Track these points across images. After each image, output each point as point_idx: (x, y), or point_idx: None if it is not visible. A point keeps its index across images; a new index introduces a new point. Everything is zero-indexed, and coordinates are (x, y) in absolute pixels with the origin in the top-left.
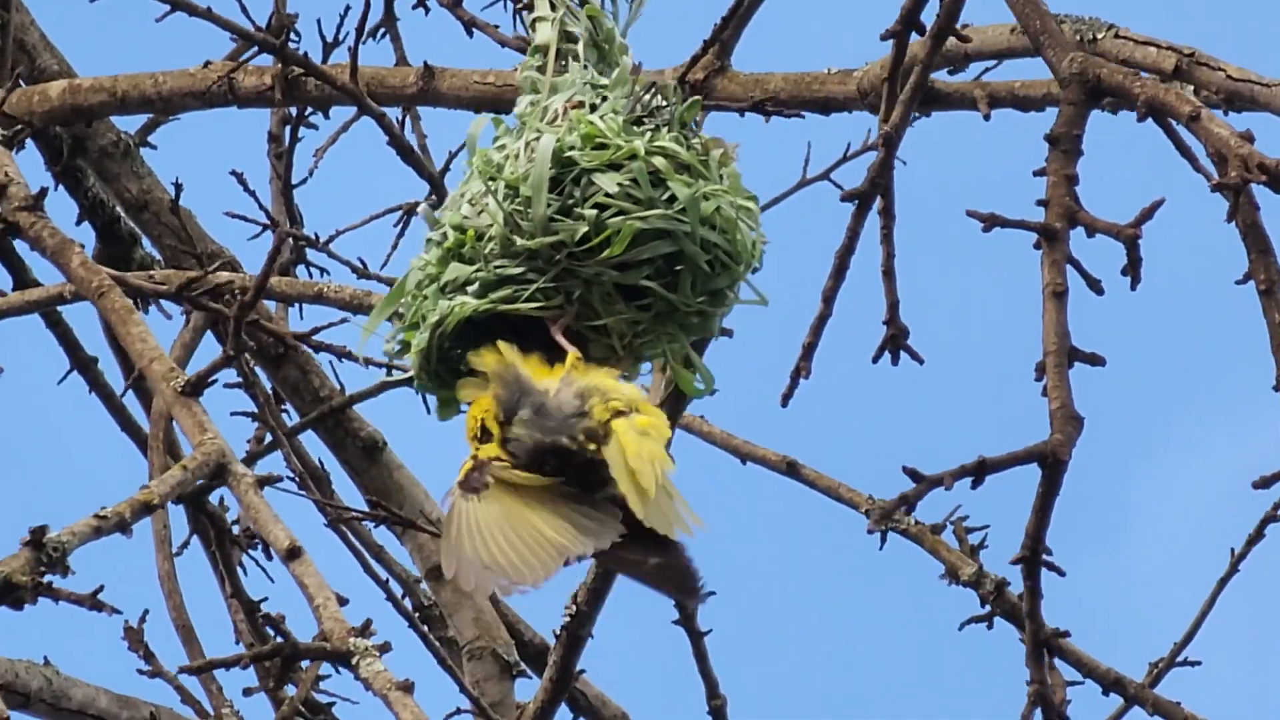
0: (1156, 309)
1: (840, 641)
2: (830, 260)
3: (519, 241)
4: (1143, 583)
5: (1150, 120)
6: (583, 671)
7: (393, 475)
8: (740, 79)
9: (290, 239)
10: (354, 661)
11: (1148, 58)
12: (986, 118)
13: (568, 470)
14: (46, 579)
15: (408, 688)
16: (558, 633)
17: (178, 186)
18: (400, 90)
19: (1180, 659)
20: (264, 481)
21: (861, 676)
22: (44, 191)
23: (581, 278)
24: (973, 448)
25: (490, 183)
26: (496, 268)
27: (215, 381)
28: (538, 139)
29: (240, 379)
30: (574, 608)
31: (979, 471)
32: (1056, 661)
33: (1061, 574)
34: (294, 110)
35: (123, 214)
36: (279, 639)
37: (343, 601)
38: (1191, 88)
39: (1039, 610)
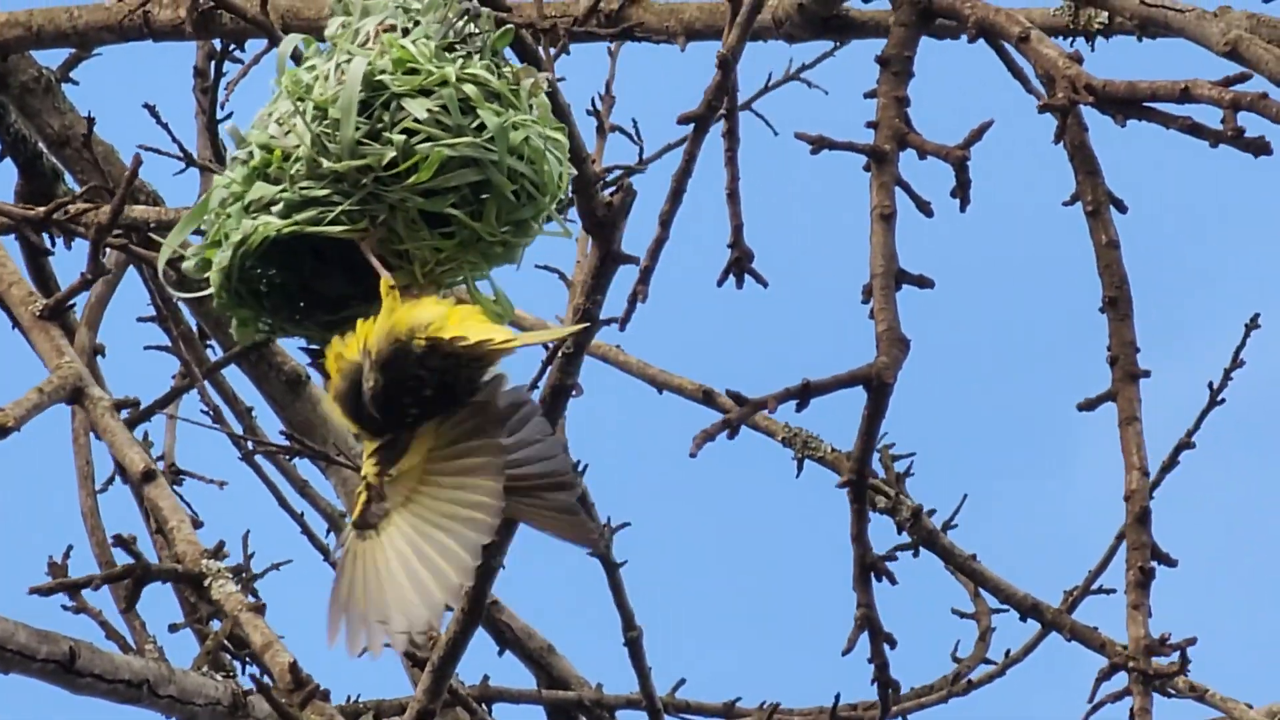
0: (991, 231)
1: (758, 571)
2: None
3: (325, 164)
4: (1079, 510)
5: (982, 41)
6: (495, 601)
7: (315, 409)
8: (655, 8)
9: (196, 171)
10: (206, 584)
11: None
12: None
13: (430, 403)
14: None
15: (258, 609)
16: None
17: (90, 121)
18: (315, 22)
19: (1095, 586)
20: (120, 405)
21: (780, 606)
22: None
23: (387, 202)
24: (817, 369)
25: (299, 103)
26: (302, 189)
27: (73, 306)
28: (348, 61)
29: (155, 314)
30: None
31: (804, 394)
32: (980, 590)
33: (888, 497)
34: (219, 44)
35: (45, 150)
36: (130, 561)
37: (198, 525)
38: (1105, 14)
39: (866, 533)
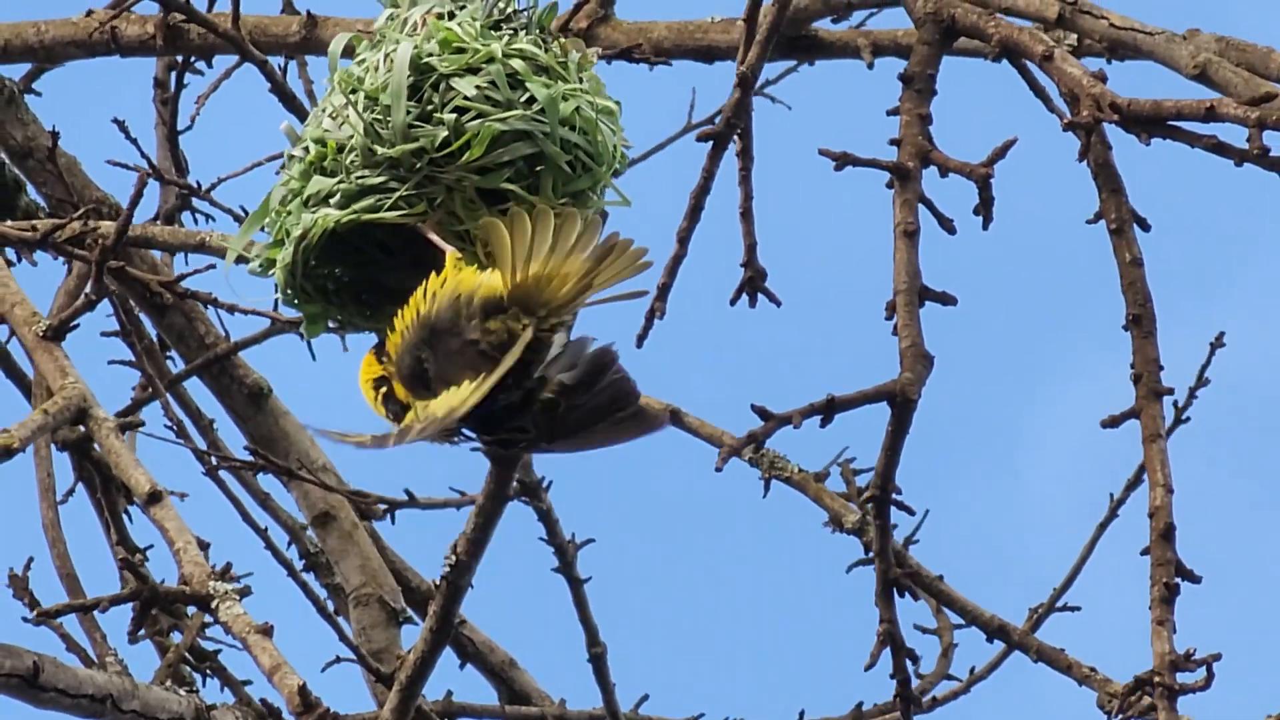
0: (1010, 248)
1: (722, 587)
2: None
3: (380, 151)
4: (1031, 517)
5: (1004, 60)
6: (463, 622)
7: (278, 422)
8: (624, 27)
9: (157, 183)
10: (213, 605)
11: (1030, 5)
12: (870, 66)
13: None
14: None
15: (267, 631)
16: (437, 583)
17: (54, 135)
18: (282, 39)
19: (1060, 604)
20: (125, 426)
21: (743, 622)
22: None
23: (443, 184)
24: (833, 387)
25: (351, 95)
26: (358, 178)
27: (77, 326)
28: (396, 49)
29: (119, 327)
30: (453, 558)
31: (828, 410)
32: (944, 609)
33: (911, 513)
34: (179, 57)
35: (7, 161)
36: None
37: (204, 546)
38: (1074, 36)
39: (889, 549)
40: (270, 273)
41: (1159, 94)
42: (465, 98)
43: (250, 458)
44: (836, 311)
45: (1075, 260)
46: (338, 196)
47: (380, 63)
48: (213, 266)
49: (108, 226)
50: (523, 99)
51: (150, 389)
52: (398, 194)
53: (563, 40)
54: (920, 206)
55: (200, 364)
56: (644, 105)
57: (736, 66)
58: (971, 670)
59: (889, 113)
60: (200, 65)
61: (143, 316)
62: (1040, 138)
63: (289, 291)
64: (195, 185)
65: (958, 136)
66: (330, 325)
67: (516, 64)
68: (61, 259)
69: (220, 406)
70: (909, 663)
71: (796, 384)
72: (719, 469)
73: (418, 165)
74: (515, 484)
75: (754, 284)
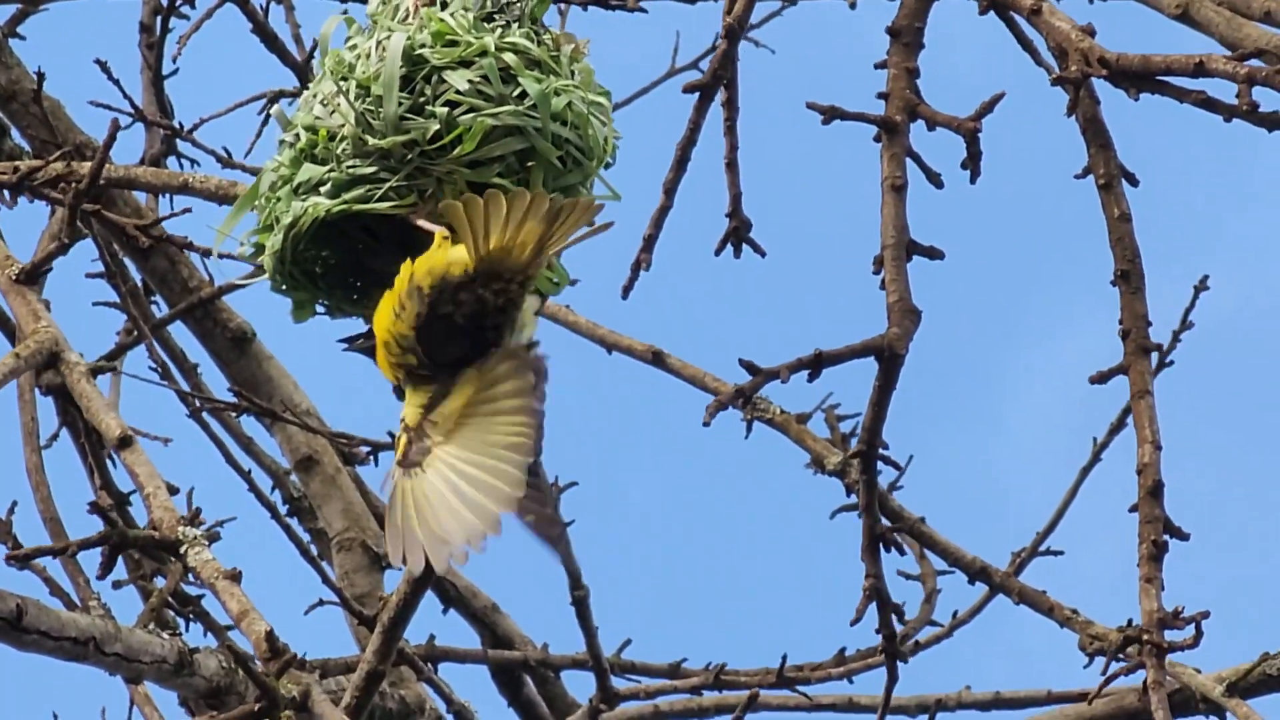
0: (997, 203)
1: (705, 532)
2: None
3: (371, 141)
4: (1014, 466)
5: (992, 13)
6: None
7: (261, 366)
8: None
9: (142, 127)
10: (182, 550)
11: None
12: (852, 6)
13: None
14: None
15: (235, 576)
16: None
17: (40, 76)
18: None
19: (1043, 548)
20: (97, 370)
21: (728, 566)
22: None
23: (434, 176)
24: (818, 341)
25: (342, 82)
26: (349, 168)
27: (51, 269)
28: (389, 37)
29: (104, 270)
30: None
31: (815, 365)
32: (927, 554)
33: (898, 468)
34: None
35: None
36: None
37: (173, 490)
38: None
39: (875, 504)
40: (259, 258)
41: (1142, 33)
42: (458, 91)
43: (234, 399)
44: (822, 264)
45: (1061, 214)
46: (328, 185)
47: (373, 50)
48: (189, 210)
49: (86, 168)
50: (515, 94)
51: (135, 332)
52: (388, 185)
53: (555, 33)
54: (908, 161)
55: (184, 308)
56: (626, 49)
57: (723, 17)
58: (954, 614)
59: (877, 66)
60: (185, 9)
61: (126, 260)
62: (1026, 91)
63: (277, 278)
64: (179, 126)
65: (945, 91)
66: (318, 309)
67: (509, 58)
68: (40, 201)
69: (204, 351)
70: (894, 617)
71: (783, 337)
72: (707, 424)
73: (409, 157)
74: None
75: (739, 235)
